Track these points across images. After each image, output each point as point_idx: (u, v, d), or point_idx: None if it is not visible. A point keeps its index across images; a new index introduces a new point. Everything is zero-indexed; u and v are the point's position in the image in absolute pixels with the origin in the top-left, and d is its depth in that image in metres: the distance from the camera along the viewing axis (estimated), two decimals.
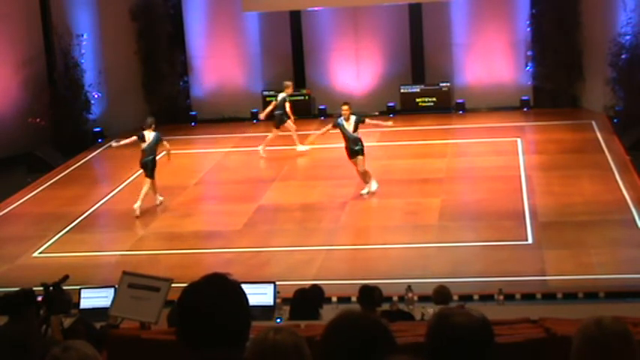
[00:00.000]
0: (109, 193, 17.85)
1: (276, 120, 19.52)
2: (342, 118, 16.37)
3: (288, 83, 19.84)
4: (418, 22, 22.92)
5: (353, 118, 16.28)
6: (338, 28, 23.26)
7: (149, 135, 16.31)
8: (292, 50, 23.32)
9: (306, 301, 10.29)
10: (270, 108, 19.65)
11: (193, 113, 23.41)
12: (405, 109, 22.61)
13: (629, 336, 3.31)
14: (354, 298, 10.94)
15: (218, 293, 3.10)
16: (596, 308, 10.87)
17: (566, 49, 21.81)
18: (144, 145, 16.25)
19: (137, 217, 16.03)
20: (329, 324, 3.25)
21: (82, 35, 21.67)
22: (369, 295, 9.78)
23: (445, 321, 3.20)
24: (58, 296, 7.45)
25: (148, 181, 16.26)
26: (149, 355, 7.25)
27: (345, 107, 16.41)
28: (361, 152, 16.30)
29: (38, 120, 21.04)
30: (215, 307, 3.06)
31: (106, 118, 22.29)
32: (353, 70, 23.16)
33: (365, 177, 16.37)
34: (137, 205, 16.03)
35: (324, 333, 3.22)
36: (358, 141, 16.32)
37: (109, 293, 10.39)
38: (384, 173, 17.65)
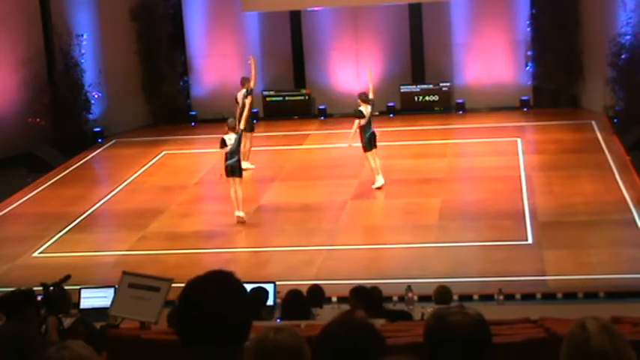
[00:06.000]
0: (109, 193, 17.85)
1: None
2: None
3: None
4: (418, 22, 22.90)
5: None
6: (338, 28, 23.24)
7: (230, 137, 15.36)
8: (292, 50, 23.31)
9: (298, 302, 10.19)
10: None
11: (193, 113, 23.40)
12: (405, 109, 22.60)
13: (614, 338, 3.25)
14: None
15: (219, 290, 3.09)
16: (596, 308, 10.86)
17: (566, 49, 21.79)
18: (228, 149, 15.32)
19: (243, 222, 15.32)
20: (323, 327, 3.28)
21: (82, 35, 21.63)
22: (366, 296, 9.68)
23: (442, 320, 3.21)
24: (59, 296, 7.45)
25: (237, 180, 15.36)
26: (149, 355, 7.25)
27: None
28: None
29: (38, 120, 21.02)
30: (216, 303, 3.05)
31: (106, 118, 22.27)
32: (353, 70, 23.13)
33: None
34: (240, 214, 15.31)
35: (318, 335, 3.26)
36: None
37: (109, 293, 10.40)
38: (383, 173, 17.63)
